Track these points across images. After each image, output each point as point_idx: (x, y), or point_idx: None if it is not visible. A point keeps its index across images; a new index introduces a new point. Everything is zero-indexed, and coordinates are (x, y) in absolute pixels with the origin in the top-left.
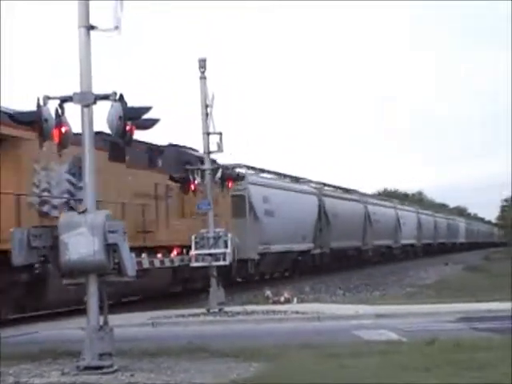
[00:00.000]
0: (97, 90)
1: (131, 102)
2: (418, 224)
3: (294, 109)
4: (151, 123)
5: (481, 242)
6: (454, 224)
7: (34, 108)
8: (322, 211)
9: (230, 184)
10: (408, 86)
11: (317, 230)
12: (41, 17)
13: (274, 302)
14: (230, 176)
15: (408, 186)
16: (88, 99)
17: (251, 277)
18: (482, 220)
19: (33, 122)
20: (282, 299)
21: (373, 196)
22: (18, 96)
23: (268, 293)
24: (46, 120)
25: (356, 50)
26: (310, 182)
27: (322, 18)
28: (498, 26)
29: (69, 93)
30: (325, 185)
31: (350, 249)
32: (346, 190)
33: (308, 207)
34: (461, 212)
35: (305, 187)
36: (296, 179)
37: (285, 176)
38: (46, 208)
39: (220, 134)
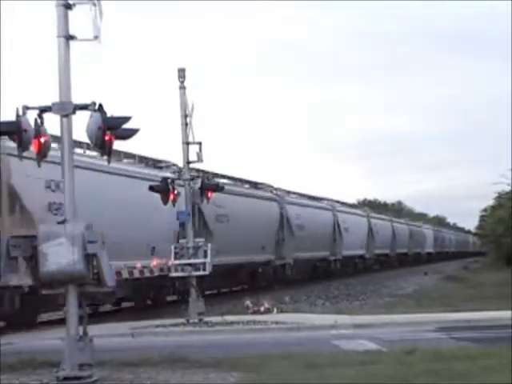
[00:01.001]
0: (76, 99)
1: (110, 112)
2: (368, 231)
3: (276, 117)
4: (131, 133)
5: (453, 251)
6: (418, 231)
7: (12, 118)
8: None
9: (209, 194)
10: (388, 97)
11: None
12: (19, 25)
13: (254, 312)
14: (209, 186)
15: (388, 196)
16: (67, 109)
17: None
18: (457, 228)
19: (11, 131)
20: (262, 309)
21: (295, 195)
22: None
23: (248, 303)
24: (25, 130)
25: (342, 55)
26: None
27: (305, 23)
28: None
29: (48, 102)
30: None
31: (232, 265)
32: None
33: (138, 197)
34: (440, 221)
35: (138, 169)
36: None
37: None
38: None
39: (199, 143)
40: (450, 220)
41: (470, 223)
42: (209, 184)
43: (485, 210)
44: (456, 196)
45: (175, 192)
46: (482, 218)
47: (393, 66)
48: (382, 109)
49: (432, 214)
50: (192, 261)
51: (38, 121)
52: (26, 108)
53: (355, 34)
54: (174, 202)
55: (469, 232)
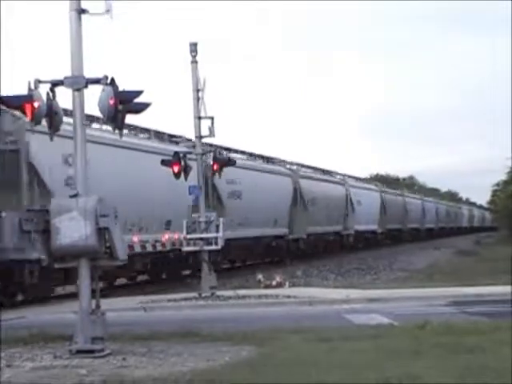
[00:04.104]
0: (88, 73)
1: (122, 86)
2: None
3: (287, 93)
4: (143, 107)
5: (429, 228)
6: (333, 192)
7: (24, 92)
8: None
9: (215, 167)
10: (400, 73)
11: None
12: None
13: (266, 286)
14: (219, 160)
15: (401, 171)
16: (79, 83)
17: None
18: (442, 196)
19: (23, 105)
20: (274, 283)
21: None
22: (9, 79)
23: (260, 277)
24: (38, 104)
25: (349, 34)
26: None
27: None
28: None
29: (60, 77)
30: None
31: None
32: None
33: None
34: (452, 196)
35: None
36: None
37: None
38: None
39: (212, 118)
40: (463, 195)
41: (483, 198)
42: (220, 158)
43: (497, 184)
44: (469, 171)
45: (182, 165)
46: (494, 193)
47: (400, 44)
48: (394, 85)
49: (444, 189)
50: (204, 235)
51: (50, 95)
52: (38, 82)
53: (377, 10)
54: (186, 175)
55: (468, 202)
